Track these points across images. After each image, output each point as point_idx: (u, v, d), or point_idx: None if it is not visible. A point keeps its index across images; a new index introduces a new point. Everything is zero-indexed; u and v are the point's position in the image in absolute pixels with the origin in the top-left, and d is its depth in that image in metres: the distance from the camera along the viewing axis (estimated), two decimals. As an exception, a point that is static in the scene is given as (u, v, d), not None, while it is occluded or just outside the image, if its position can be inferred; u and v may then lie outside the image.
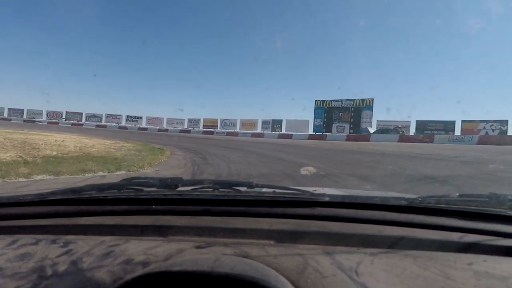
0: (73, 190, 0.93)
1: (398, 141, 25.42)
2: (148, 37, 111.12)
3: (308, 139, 31.60)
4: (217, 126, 41.35)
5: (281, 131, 38.45)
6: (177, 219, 0.82)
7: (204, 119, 42.54)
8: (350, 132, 33.66)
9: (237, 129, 40.24)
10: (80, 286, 0.54)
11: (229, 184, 0.97)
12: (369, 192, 2.30)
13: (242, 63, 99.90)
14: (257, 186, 0.98)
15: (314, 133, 35.41)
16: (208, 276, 0.50)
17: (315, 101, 37.67)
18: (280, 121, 39.20)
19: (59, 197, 0.91)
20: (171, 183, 0.95)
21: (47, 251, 0.67)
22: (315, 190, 1.03)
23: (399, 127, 30.43)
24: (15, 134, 14.13)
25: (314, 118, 37.42)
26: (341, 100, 35.88)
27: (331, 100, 36.53)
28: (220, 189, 0.94)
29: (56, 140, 12.57)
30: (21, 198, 0.92)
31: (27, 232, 0.79)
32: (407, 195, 0.95)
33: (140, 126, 42.41)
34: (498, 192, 0.86)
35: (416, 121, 31.77)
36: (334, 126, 35.71)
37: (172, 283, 0.51)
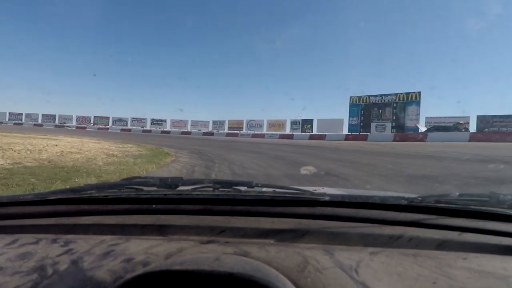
0: (73, 190, 0.94)
1: (468, 141, 20.34)
2: (146, 38, 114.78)
3: (345, 140, 27.60)
4: (242, 127, 39.12)
5: (312, 131, 35.07)
6: (177, 218, 0.81)
7: (229, 120, 40.87)
8: (392, 131, 29.20)
9: (264, 131, 37.71)
10: (81, 285, 0.54)
11: (229, 184, 0.97)
12: (369, 191, 2.16)
13: (242, 64, 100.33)
14: (257, 185, 0.97)
15: (350, 133, 31.36)
16: (208, 275, 0.51)
17: (350, 97, 33.62)
18: (310, 121, 35.85)
19: (59, 196, 0.90)
20: (171, 182, 0.94)
21: (47, 250, 0.67)
22: (315, 190, 1.05)
23: (460, 123, 25.17)
24: (12, 138, 12.72)
25: (349, 116, 33.36)
26: (381, 95, 31.44)
27: (369, 96, 32.23)
28: (220, 189, 0.92)
29: (47, 145, 10.96)
30: (22, 198, 0.92)
31: (28, 232, 0.78)
32: (407, 195, 0.93)
33: (164, 129, 41.85)
34: (498, 191, 0.85)
35: (478, 116, 26.59)
36: (373, 125, 31.37)
37: (173, 282, 0.51)
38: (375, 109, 31.52)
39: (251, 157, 10.82)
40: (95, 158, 8.54)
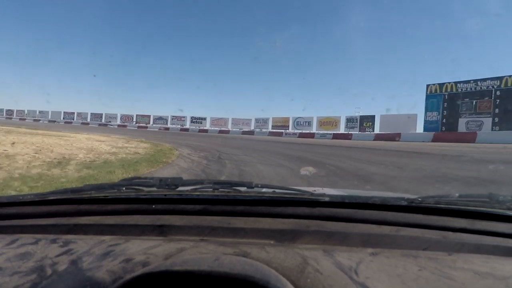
0: (73, 190, 0.94)
1: None
2: (146, 38, 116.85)
3: (433, 140, 20.49)
4: (288, 126, 34.11)
5: (372, 130, 28.37)
6: (177, 218, 0.81)
7: (273, 118, 36.08)
8: (493, 129, 21.22)
9: (313, 129, 32.25)
10: (80, 286, 0.55)
11: (229, 184, 0.97)
12: (369, 192, 2.13)
13: (242, 64, 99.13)
14: (257, 186, 0.97)
15: (441, 131, 23.96)
16: (208, 275, 0.51)
17: (427, 86, 25.99)
18: (371, 118, 29.22)
19: (59, 196, 0.90)
20: (171, 183, 0.94)
21: (47, 250, 0.67)
22: (315, 190, 1.03)
23: None
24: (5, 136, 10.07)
25: (426, 111, 25.76)
26: (475, 80, 23.34)
27: (456, 83, 24.31)
28: (220, 189, 0.93)
29: (32, 143, 8.73)
30: (21, 198, 0.92)
31: (27, 232, 0.78)
32: (406, 195, 0.93)
33: (203, 128, 39.32)
34: (497, 192, 0.84)
35: None
36: (461, 121, 23.50)
37: (172, 282, 0.51)
38: (466, 99, 23.53)
39: (296, 168, 5.88)
40: (27, 166, 4.63)
